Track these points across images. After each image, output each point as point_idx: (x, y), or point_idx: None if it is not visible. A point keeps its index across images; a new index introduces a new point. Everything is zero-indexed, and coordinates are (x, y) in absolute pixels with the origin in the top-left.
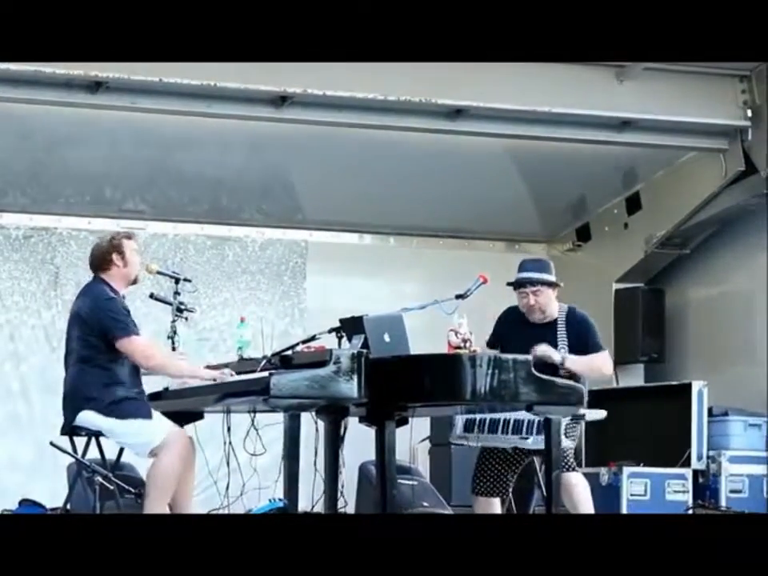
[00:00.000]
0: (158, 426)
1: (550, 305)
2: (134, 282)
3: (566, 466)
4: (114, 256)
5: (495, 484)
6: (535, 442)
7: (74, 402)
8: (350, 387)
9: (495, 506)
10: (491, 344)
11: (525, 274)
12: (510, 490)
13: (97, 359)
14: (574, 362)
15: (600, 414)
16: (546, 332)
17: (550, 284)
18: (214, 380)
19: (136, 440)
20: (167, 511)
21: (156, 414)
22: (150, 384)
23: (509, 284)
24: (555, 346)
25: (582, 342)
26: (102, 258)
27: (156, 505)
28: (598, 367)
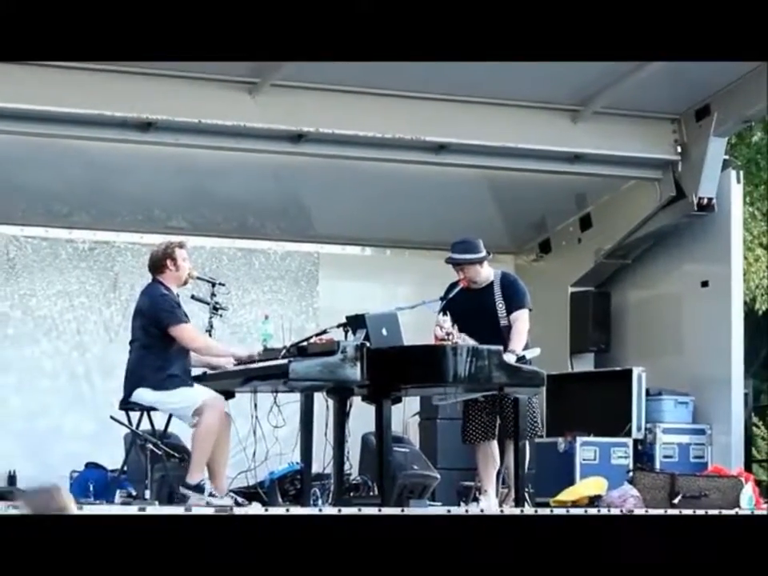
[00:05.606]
0: (199, 391)
1: (479, 275)
2: (185, 283)
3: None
4: (168, 261)
5: (485, 429)
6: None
7: (131, 380)
8: (354, 372)
9: (493, 447)
10: (444, 312)
11: (453, 256)
12: (497, 431)
13: (154, 346)
14: (515, 347)
15: (535, 351)
16: (484, 294)
17: (472, 261)
18: (249, 357)
19: (182, 404)
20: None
21: (197, 384)
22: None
23: (446, 261)
24: (493, 305)
25: (510, 301)
26: (158, 262)
27: (199, 459)
28: (523, 332)
